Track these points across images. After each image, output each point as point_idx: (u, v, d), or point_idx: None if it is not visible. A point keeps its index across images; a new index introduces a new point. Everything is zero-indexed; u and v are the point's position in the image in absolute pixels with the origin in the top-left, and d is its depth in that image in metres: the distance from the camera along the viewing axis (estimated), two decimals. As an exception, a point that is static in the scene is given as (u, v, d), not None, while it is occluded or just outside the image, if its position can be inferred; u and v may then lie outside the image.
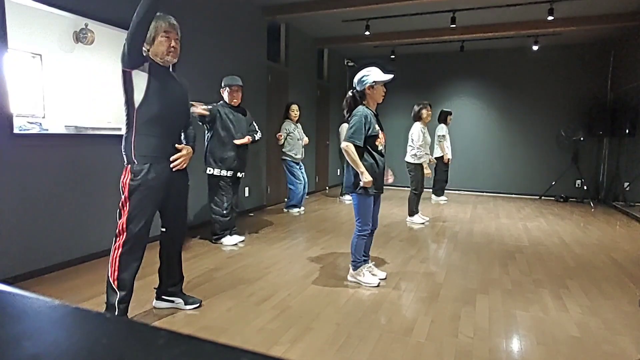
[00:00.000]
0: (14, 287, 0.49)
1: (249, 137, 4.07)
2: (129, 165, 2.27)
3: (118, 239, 2.27)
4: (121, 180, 2.29)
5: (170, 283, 2.61)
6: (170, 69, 2.50)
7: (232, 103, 4.04)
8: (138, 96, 2.24)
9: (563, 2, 5.41)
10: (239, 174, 4.09)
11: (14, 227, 2.98)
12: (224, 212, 4.04)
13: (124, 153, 2.30)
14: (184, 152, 2.43)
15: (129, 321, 0.47)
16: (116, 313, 2.25)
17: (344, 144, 2.90)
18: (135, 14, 2.09)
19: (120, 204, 2.28)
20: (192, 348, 0.39)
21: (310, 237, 4.55)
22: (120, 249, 2.25)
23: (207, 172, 3.99)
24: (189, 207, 4.68)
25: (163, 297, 2.64)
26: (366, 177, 2.88)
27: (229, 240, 4.11)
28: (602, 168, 7.57)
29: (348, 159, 2.91)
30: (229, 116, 3.99)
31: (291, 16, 6.18)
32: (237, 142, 3.97)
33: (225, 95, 4.03)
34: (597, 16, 6.00)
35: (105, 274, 2.32)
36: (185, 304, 2.62)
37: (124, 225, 2.25)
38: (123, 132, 2.32)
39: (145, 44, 2.29)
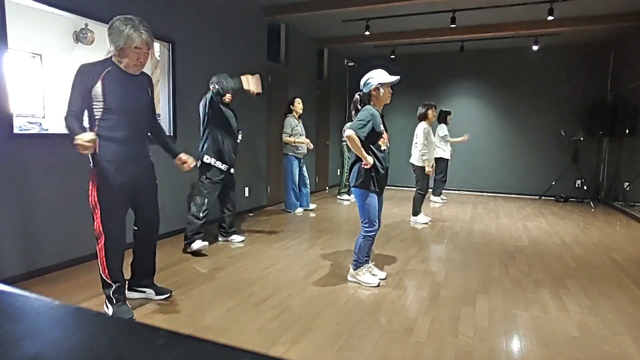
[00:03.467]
0: (14, 287, 0.49)
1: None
2: (94, 169, 2.34)
3: (99, 240, 2.39)
4: (89, 183, 2.36)
5: (143, 276, 2.71)
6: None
7: (226, 101, 3.94)
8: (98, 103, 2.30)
9: (563, 2, 5.41)
10: (232, 170, 3.98)
11: (14, 227, 2.98)
12: (201, 214, 3.79)
13: (90, 155, 2.32)
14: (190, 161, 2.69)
15: (129, 321, 0.47)
16: (115, 302, 2.44)
17: (348, 132, 2.89)
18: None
19: (91, 207, 2.37)
20: (192, 348, 0.39)
21: (310, 237, 4.55)
22: (103, 250, 2.39)
23: (204, 160, 3.82)
24: (183, 210, 4.69)
25: (135, 287, 2.74)
26: (369, 161, 2.90)
27: (198, 244, 3.76)
28: (602, 168, 7.57)
29: (351, 146, 2.91)
30: (227, 113, 3.94)
31: (291, 16, 6.18)
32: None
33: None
34: (597, 16, 6.00)
35: (98, 272, 2.47)
36: (156, 294, 2.71)
37: (101, 229, 2.37)
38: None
39: (114, 47, 2.32)
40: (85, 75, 2.26)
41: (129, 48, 2.30)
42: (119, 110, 2.32)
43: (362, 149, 2.90)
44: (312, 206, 6.20)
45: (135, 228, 2.64)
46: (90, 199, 2.36)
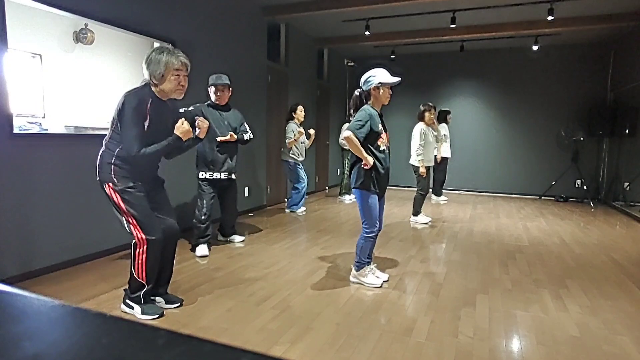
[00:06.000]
0: (14, 287, 0.49)
1: (232, 134, 3.81)
2: (110, 184, 2.34)
3: (140, 248, 2.40)
4: (110, 198, 2.36)
5: (157, 285, 2.63)
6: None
7: (218, 102, 3.88)
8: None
9: (563, 2, 5.41)
10: (233, 175, 3.95)
11: (14, 227, 2.98)
12: (202, 217, 3.81)
13: (99, 169, 2.36)
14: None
15: (129, 321, 0.47)
16: (142, 302, 2.48)
17: (346, 133, 2.86)
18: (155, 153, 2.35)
19: (125, 219, 2.38)
20: (192, 348, 0.39)
21: (310, 237, 4.55)
22: (144, 255, 2.41)
23: (200, 176, 3.82)
24: (189, 210, 4.69)
25: None
26: (369, 161, 2.89)
27: (201, 250, 3.77)
28: (602, 168, 7.57)
29: (350, 147, 2.89)
30: (214, 116, 3.82)
31: (291, 16, 6.18)
32: (219, 139, 3.75)
33: (211, 94, 3.87)
34: (597, 16, 6.00)
35: (129, 272, 2.48)
36: (166, 303, 2.65)
37: (142, 236, 2.38)
38: (104, 144, 2.38)
39: (153, 78, 2.37)
40: (137, 107, 2.29)
41: (169, 73, 2.35)
42: (148, 139, 2.34)
43: (362, 150, 2.89)
44: (304, 208, 6.13)
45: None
46: (120, 212, 2.37)
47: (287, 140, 5.61)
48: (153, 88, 2.40)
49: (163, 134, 2.42)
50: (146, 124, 2.32)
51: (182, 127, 2.43)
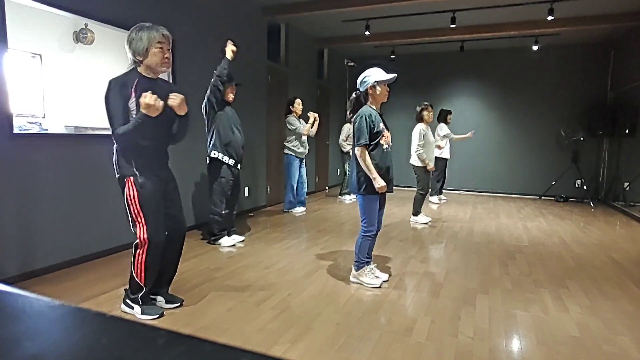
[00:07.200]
0: (14, 287, 0.49)
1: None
2: (132, 178, 2.33)
3: (140, 249, 2.39)
4: (126, 193, 2.35)
5: (158, 284, 2.63)
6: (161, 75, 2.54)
7: (229, 100, 4.08)
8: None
9: (563, 2, 5.41)
10: (239, 166, 4.12)
11: (14, 227, 2.98)
12: (222, 212, 4.05)
13: (117, 165, 2.36)
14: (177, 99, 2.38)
15: (128, 321, 0.47)
16: (141, 303, 2.48)
17: (357, 151, 2.91)
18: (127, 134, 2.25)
19: (132, 217, 2.37)
20: (192, 348, 0.39)
21: (310, 237, 4.55)
22: (144, 256, 2.40)
23: (212, 155, 3.96)
24: (189, 208, 4.70)
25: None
26: (379, 183, 2.89)
27: (227, 241, 4.10)
28: (602, 168, 7.57)
29: (362, 165, 2.92)
30: (230, 110, 4.07)
31: (291, 16, 6.19)
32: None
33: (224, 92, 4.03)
34: (597, 16, 6.00)
35: (129, 273, 2.48)
36: (167, 303, 2.65)
37: (146, 236, 2.36)
38: (114, 145, 2.37)
39: (137, 55, 2.34)
40: (121, 89, 2.27)
41: (152, 46, 2.32)
42: (146, 120, 2.28)
43: (372, 168, 2.89)
44: (304, 208, 6.10)
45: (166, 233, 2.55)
46: (131, 209, 2.35)
47: (302, 131, 5.60)
48: (139, 68, 2.37)
49: (156, 120, 2.32)
50: (131, 103, 2.28)
51: (142, 100, 2.19)
